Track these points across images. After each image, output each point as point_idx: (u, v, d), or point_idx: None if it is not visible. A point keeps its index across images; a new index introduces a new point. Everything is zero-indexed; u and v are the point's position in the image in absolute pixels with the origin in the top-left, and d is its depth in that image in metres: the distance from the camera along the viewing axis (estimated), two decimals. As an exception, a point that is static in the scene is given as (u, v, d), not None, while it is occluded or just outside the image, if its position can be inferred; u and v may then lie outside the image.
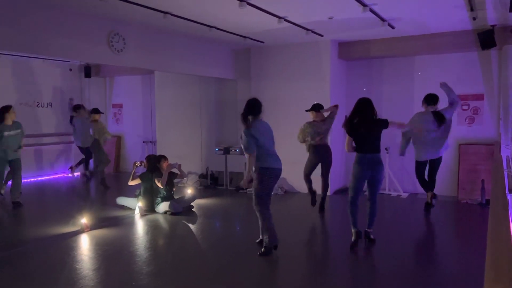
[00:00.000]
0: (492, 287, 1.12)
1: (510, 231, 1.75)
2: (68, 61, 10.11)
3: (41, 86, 9.87)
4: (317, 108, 6.33)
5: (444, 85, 5.94)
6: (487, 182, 6.73)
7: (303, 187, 7.49)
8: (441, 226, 5.90)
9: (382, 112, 7.79)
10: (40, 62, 9.67)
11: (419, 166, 6.10)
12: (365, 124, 4.61)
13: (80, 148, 9.02)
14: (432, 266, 4.39)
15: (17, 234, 5.55)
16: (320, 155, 6.26)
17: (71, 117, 9.09)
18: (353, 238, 4.68)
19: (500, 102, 6.90)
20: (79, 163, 9.20)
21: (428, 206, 6.18)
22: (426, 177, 6.15)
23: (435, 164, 6.07)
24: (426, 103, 6.01)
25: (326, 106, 7.66)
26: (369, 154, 4.62)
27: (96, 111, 8.67)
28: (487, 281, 1.18)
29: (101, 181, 8.37)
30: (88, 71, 10.39)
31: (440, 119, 5.78)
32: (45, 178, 9.74)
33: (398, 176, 7.69)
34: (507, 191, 3.68)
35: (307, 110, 6.41)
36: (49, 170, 9.98)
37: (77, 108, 9.13)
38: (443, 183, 7.47)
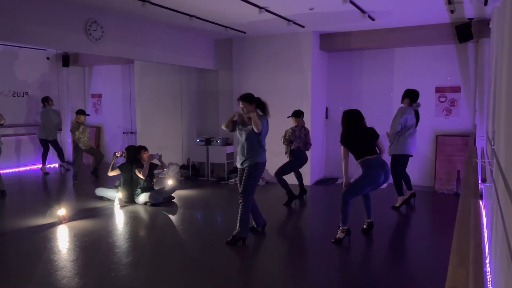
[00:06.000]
0: (455, 272, 1.16)
1: (478, 219, 1.81)
2: (45, 50, 9.87)
3: (17, 75, 9.63)
4: (297, 114, 6.46)
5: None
6: (463, 173, 6.90)
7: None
8: (416, 215, 6.04)
9: (363, 103, 7.91)
10: (16, 50, 9.42)
11: (405, 160, 6.07)
12: (362, 132, 4.74)
13: (42, 140, 8.88)
14: (403, 253, 4.49)
15: (-7, 226, 5.45)
16: (302, 159, 6.40)
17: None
18: (342, 235, 4.63)
19: (476, 94, 7.06)
20: (43, 161, 9.07)
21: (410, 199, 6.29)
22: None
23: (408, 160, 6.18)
24: (410, 100, 5.96)
25: (306, 99, 7.74)
26: (376, 156, 4.69)
27: (81, 112, 8.32)
28: (451, 266, 1.22)
29: (74, 176, 8.28)
30: (66, 60, 10.17)
31: (418, 118, 5.98)
32: (22, 169, 9.55)
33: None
34: (479, 181, 3.78)
35: (288, 117, 6.57)
36: (27, 161, 9.78)
37: (44, 100, 8.99)
38: (420, 173, 7.64)
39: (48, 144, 9.01)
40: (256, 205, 4.99)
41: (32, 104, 9.92)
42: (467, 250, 1.29)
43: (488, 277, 3.04)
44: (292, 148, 6.34)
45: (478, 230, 1.96)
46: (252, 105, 4.62)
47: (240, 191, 4.65)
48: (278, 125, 7.30)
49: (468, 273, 1.20)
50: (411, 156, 6.08)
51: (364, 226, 5.02)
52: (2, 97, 9.25)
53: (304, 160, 6.45)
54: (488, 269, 3.27)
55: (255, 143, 4.60)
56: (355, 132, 4.72)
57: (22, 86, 9.74)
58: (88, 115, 8.71)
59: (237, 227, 4.62)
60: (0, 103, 9.19)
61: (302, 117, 6.48)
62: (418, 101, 6.01)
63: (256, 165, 4.61)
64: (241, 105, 4.64)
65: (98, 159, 8.59)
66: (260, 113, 4.72)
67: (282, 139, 6.44)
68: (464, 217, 1.71)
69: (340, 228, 4.65)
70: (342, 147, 4.74)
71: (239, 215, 4.62)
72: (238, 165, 4.73)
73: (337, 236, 4.64)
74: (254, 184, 4.63)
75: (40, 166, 9.15)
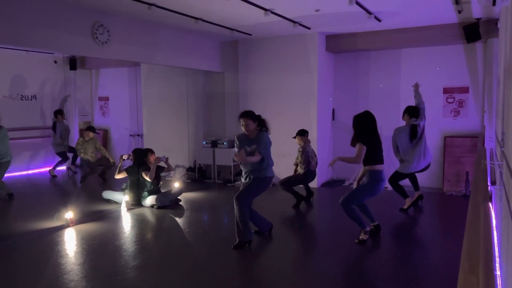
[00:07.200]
0: (466, 278, 1.14)
1: (488, 223, 1.77)
2: (53, 53, 9.94)
3: (25, 78, 9.71)
4: (303, 132, 6.43)
5: (416, 87, 5.96)
6: (471, 174, 6.82)
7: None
8: (424, 217, 5.98)
9: (370, 105, 7.86)
10: (24, 54, 9.50)
11: (401, 176, 6.08)
12: (378, 136, 4.69)
13: (61, 152, 9.00)
14: (410, 257, 4.45)
15: (1, 228, 5.47)
16: (312, 178, 6.40)
17: (54, 123, 9.01)
18: (366, 237, 4.65)
19: (484, 95, 6.98)
20: (56, 166, 9.14)
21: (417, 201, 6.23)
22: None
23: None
24: (409, 116, 5.90)
25: (312, 101, 7.70)
26: (383, 167, 4.68)
27: (91, 129, 8.40)
28: (462, 272, 1.19)
29: (82, 179, 8.31)
30: (73, 63, 10.23)
31: (414, 134, 5.81)
32: (30, 172, 9.62)
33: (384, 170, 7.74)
34: (489, 183, 3.73)
35: (293, 137, 6.50)
36: (35, 164, 9.85)
37: (58, 113, 9.04)
38: (429, 175, 7.56)
39: (66, 154, 9.11)
40: (256, 212, 4.88)
41: (40, 107, 9.99)
42: (478, 255, 1.26)
43: (499, 281, 2.99)
44: (305, 170, 6.28)
45: (488, 234, 1.92)
46: (254, 122, 4.51)
47: (236, 195, 4.53)
48: (284, 127, 7.30)
49: (479, 278, 1.17)
50: None
51: (372, 229, 4.98)
52: (10, 101, 9.33)
53: (313, 178, 6.46)
54: (498, 272, 3.22)
55: (264, 159, 4.51)
56: (375, 134, 4.63)
57: (30, 89, 9.81)
58: (97, 133, 8.71)
59: (240, 231, 4.55)
60: (9, 107, 9.27)
61: (307, 135, 6.46)
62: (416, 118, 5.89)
63: (265, 179, 4.57)
64: (242, 122, 4.50)
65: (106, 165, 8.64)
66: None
67: (299, 168, 6.33)
68: (474, 221, 1.68)
69: (362, 231, 4.67)
70: (359, 146, 4.45)
71: (238, 220, 4.52)
72: (244, 180, 4.63)
73: (360, 238, 4.66)
74: (255, 195, 4.60)
75: (49, 168, 9.21)
